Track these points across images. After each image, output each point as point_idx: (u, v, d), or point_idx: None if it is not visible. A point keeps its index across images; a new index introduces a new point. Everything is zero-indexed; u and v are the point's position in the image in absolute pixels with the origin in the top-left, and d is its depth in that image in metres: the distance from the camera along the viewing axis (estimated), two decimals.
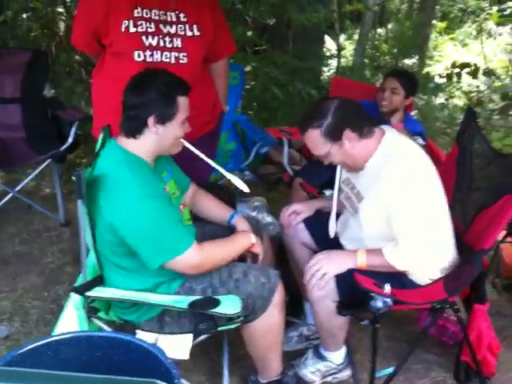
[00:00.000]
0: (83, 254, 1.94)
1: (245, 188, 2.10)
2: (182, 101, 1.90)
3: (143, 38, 2.20)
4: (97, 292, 1.93)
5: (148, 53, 2.21)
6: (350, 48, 7.83)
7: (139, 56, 2.21)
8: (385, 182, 1.98)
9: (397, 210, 1.97)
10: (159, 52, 2.23)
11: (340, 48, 6.61)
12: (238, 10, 5.51)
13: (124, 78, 2.10)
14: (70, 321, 1.93)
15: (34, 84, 3.54)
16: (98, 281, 1.98)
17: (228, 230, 2.16)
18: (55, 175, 3.49)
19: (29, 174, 3.40)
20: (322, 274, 2.03)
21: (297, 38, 5.96)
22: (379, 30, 8.22)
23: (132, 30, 2.19)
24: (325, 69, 6.43)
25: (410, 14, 8.96)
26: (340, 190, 2.28)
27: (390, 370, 2.22)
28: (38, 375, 0.96)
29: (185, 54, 2.27)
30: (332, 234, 2.26)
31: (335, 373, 2.27)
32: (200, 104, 2.28)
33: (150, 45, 2.21)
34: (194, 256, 1.86)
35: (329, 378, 2.28)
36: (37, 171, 3.39)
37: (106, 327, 1.98)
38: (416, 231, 1.99)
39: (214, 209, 2.26)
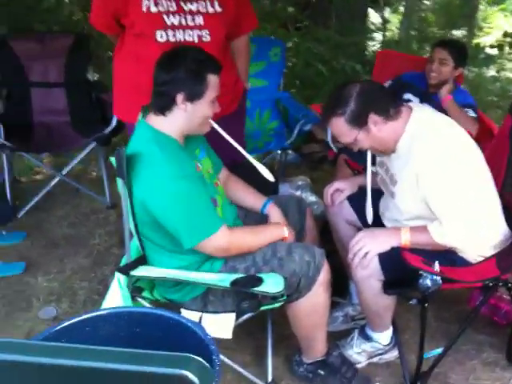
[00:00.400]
0: (126, 234, 1.95)
1: (270, 177, 2.06)
2: (213, 79, 1.87)
3: (165, 17, 2.16)
4: (141, 271, 1.95)
5: (170, 32, 2.18)
6: (395, 21, 7.60)
7: (161, 36, 2.18)
8: (416, 162, 1.91)
9: (432, 190, 1.90)
10: (181, 31, 2.19)
11: (385, 21, 6.43)
12: None
13: (147, 58, 2.10)
14: (115, 300, 1.95)
15: (77, 68, 3.60)
16: (142, 261, 2.00)
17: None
18: (100, 158, 3.54)
19: (75, 157, 3.46)
20: (364, 252, 1.98)
21: (339, 14, 5.83)
22: (425, 1, 7.93)
23: (153, 9, 2.15)
24: (370, 43, 6.27)
25: None
26: (376, 173, 2.22)
27: (439, 350, 2.16)
28: (67, 349, 0.95)
29: (207, 32, 2.23)
30: (370, 220, 2.21)
31: (382, 353, 2.23)
32: (223, 82, 2.20)
33: (173, 24, 2.18)
34: (223, 239, 1.85)
35: (375, 359, 2.24)
36: (82, 154, 3.44)
37: (149, 306, 1.99)
38: (455, 211, 1.90)
39: (246, 196, 2.23)
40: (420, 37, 6.77)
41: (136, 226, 1.91)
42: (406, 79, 3.16)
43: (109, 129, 3.28)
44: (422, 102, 3.02)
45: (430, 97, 2.97)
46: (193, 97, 1.84)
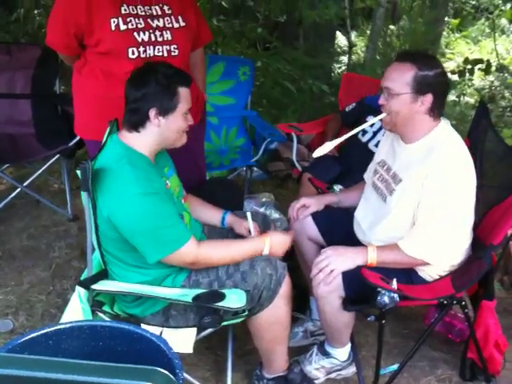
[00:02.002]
0: (89, 247, 1.94)
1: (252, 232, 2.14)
2: (184, 92, 1.90)
3: (135, 34, 2.17)
4: (102, 285, 1.93)
5: (141, 49, 2.19)
6: (361, 44, 7.79)
7: (133, 53, 2.18)
8: (432, 164, 1.93)
9: (431, 194, 1.93)
10: (151, 47, 2.21)
11: (351, 44, 6.58)
12: (249, 7, 5.50)
13: (118, 75, 2.13)
14: (75, 314, 1.93)
15: (45, 80, 3.57)
16: (103, 275, 1.99)
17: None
18: (64, 171, 3.51)
19: (38, 169, 3.42)
20: (329, 269, 2.01)
21: (308, 35, 5.95)
22: (391, 27, 8.16)
23: (123, 27, 2.15)
24: (336, 65, 6.40)
25: (422, 11, 8.88)
26: (375, 171, 2.24)
27: (395, 366, 2.21)
28: (36, 362, 0.96)
29: (175, 46, 2.26)
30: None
31: (340, 369, 2.26)
32: None
33: (143, 40, 2.19)
34: (190, 253, 1.87)
35: (333, 375, 2.27)
36: (45, 166, 3.41)
37: (110, 321, 1.98)
38: (440, 222, 1.95)
39: (204, 211, 2.25)
40: (385, 61, 6.94)
41: (98, 239, 1.90)
42: (368, 102, 3.23)
43: (73, 141, 3.26)
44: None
45: None
46: (165, 111, 1.86)
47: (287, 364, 2.16)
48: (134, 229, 1.81)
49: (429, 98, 1.95)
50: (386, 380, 2.16)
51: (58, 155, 3.32)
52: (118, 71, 2.15)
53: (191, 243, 1.86)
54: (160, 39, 2.22)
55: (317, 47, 5.76)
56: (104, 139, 2.00)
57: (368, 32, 7.73)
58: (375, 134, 3.11)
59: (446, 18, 8.36)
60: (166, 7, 2.26)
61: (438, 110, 1.99)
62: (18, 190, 3.34)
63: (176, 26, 2.26)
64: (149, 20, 2.21)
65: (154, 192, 1.83)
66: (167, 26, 2.24)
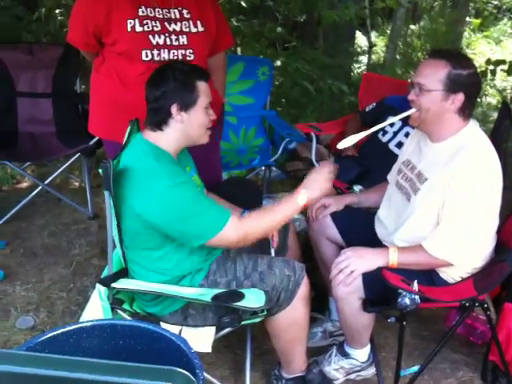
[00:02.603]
0: (110, 245, 1.95)
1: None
2: (202, 86, 1.91)
3: (150, 37, 2.18)
4: (122, 284, 1.95)
5: (155, 52, 2.20)
6: (381, 44, 7.74)
7: (147, 56, 2.19)
8: (457, 169, 1.91)
9: (456, 199, 1.91)
10: (166, 50, 2.21)
11: (371, 44, 6.54)
12: (269, 7, 5.50)
13: (130, 77, 2.17)
14: (95, 311, 1.94)
15: (66, 79, 3.60)
16: (124, 273, 1.99)
17: None
18: (84, 169, 3.54)
19: (59, 167, 3.45)
20: (349, 270, 1.99)
21: (327, 35, 5.92)
22: (412, 27, 8.10)
23: (138, 29, 2.16)
24: (355, 65, 6.37)
25: (443, 11, 8.81)
26: (399, 170, 2.22)
27: (416, 368, 2.18)
28: (56, 360, 0.96)
29: (191, 51, 2.26)
30: None
31: (359, 370, 2.24)
32: None
33: (158, 43, 2.19)
34: (233, 231, 1.84)
35: (352, 376, 2.25)
36: (66, 165, 3.45)
37: (129, 319, 1.99)
38: (465, 223, 1.92)
39: None
40: (405, 61, 6.90)
41: (120, 238, 1.91)
42: (389, 102, 3.21)
43: (94, 140, 3.28)
44: (404, 125, 3.07)
45: None
46: (186, 105, 1.87)
47: (306, 364, 2.15)
48: (171, 220, 1.81)
49: (460, 98, 1.92)
50: (406, 382, 2.13)
51: (78, 154, 3.35)
52: (131, 73, 2.17)
53: (232, 220, 1.84)
54: (175, 43, 2.23)
55: (336, 47, 5.74)
56: (125, 139, 2.01)
57: (388, 32, 7.68)
58: (395, 134, 3.08)
59: (468, 18, 8.27)
60: (185, 11, 2.26)
61: (468, 111, 1.97)
62: (39, 188, 3.38)
63: (194, 30, 2.26)
64: (166, 23, 2.21)
65: (184, 181, 1.84)
66: (184, 30, 2.25)
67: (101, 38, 2.23)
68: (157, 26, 2.19)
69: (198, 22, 2.27)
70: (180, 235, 1.85)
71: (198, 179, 2.13)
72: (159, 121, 1.89)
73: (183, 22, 2.24)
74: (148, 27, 2.17)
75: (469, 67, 1.95)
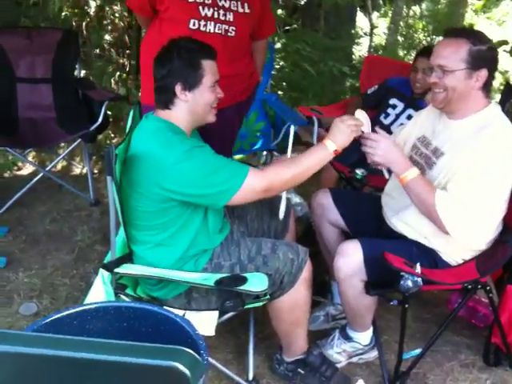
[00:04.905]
0: (112, 231, 1.95)
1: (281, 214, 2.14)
2: (208, 64, 1.90)
3: (200, 8, 2.29)
4: (125, 269, 1.95)
5: (202, 22, 2.30)
6: (383, 26, 7.66)
7: (194, 24, 2.30)
8: (480, 144, 1.89)
9: (474, 171, 1.89)
10: (212, 23, 2.31)
11: (373, 26, 6.48)
12: None
13: None
14: (98, 296, 1.95)
15: (65, 64, 3.58)
16: (127, 258, 2.00)
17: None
18: (85, 155, 3.54)
19: (60, 154, 3.44)
20: (372, 150, 1.95)
21: (328, 17, 5.86)
22: (414, 8, 8.00)
23: None
24: (357, 48, 6.31)
25: None
26: (413, 146, 2.18)
27: (418, 351, 2.20)
28: (60, 341, 0.96)
29: (234, 28, 2.36)
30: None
31: (361, 353, 2.25)
32: (241, 72, 2.49)
33: (206, 15, 2.30)
34: (257, 179, 1.83)
35: (355, 359, 2.26)
36: (67, 151, 3.44)
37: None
38: (473, 199, 1.90)
39: None
40: (407, 43, 6.83)
41: (124, 218, 1.90)
42: (391, 84, 3.19)
43: (95, 126, 3.28)
44: (406, 107, 3.06)
45: (415, 102, 3.01)
46: (191, 85, 1.87)
47: (307, 347, 2.16)
48: (195, 182, 1.81)
49: (484, 73, 1.91)
50: (408, 364, 2.14)
51: (79, 140, 3.33)
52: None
53: (253, 171, 1.84)
54: (222, 18, 2.33)
55: (337, 29, 5.69)
56: (129, 124, 2.01)
57: (390, 13, 7.60)
58: (398, 116, 3.07)
59: (470, 0, 8.17)
60: None
61: (490, 86, 1.96)
62: (41, 174, 3.37)
63: (240, 10, 2.37)
64: None
65: (199, 145, 1.86)
66: (232, 8, 2.34)
67: (155, 5, 2.34)
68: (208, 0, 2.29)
69: (246, 4, 2.37)
70: (205, 198, 1.84)
71: None
72: (165, 100, 1.90)
73: (232, 1, 2.35)
74: None
75: (487, 41, 1.93)
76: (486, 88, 1.95)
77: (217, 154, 1.89)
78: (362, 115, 2.01)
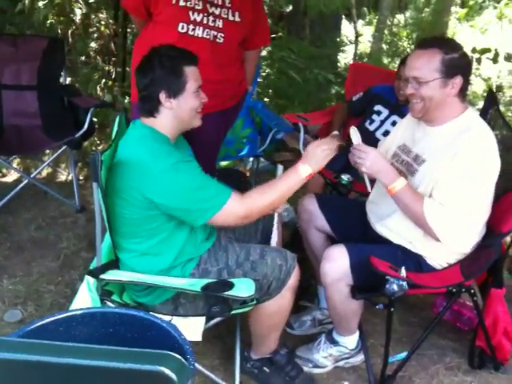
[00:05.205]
0: (98, 237, 1.94)
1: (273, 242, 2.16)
2: (190, 70, 1.91)
3: (190, 12, 2.34)
4: (111, 275, 1.94)
5: (191, 26, 2.36)
6: (368, 34, 7.74)
7: (183, 28, 2.35)
8: (460, 149, 1.92)
9: (457, 178, 1.91)
10: (201, 28, 2.36)
11: (358, 34, 6.54)
12: None
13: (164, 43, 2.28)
14: (84, 303, 1.94)
15: (51, 71, 3.57)
16: (113, 264, 1.99)
17: None
18: (71, 162, 3.52)
19: (45, 160, 3.42)
20: (361, 160, 1.97)
21: (313, 26, 5.92)
22: (398, 16, 8.10)
23: (181, 3, 2.33)
24: (342, 55, 6.37)
25: (429, 1, 8.82)
26: (394, 155, 2.20)
27: (403, 354, 2.21)
28: (46, 346, 0.96)
29: (222, 35, 2.40)
30: None
31: (348, 358, 2.27)
32: (229, 78, 2.53)
33: (195, 20, 2.35)
34: (238, 205, 1.84)
35: (341, 363, 2.27)
36: (52, 157, 3.42)
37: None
38: (463, 207, 1.93)
39: None
40: (391, 51, 6.91)
41: (110, 227, 1.90)
42: (376, 91, 3.22)
43: (80, 133, 3.26)
44: (391, 113, 3.09)
45: (399, 109, 3.04)
46: (175, 92, 1.88)
47: (275, 347, 2.17)
48: (176, 197, 1.81)
49: (458, 81, 1.93)
50: (394, 368, 2.16)
51: (64, 146, 3.32)
52: (165, 40, 2.26)
53: (236, 195, 1.85)
54: (211, 24, 2.38)
55: (322, 37, 5.74)
56: (115, 130, 2.01)
57: (375, 22, 7.68)
58: (382, 122, 3.10)
59: (453, 8, 8.28)
60: (227, 0, 2.39)
61: (465, 91, 1.99)
62: (26, 181, 3.35)
63: (231, 18, 2.40)
64: (208, 5, 2.37)
65: (186, 160, 1.88)
66: (223, 15, 2.39)
67: (149, 8, 2.41)
68: (199, 5, 2.35)
69: (237, 13, 2.41)
70: (185, 213, 1.84)
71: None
72: (151, 109, 1.90)
73: (223, 9, 2.39)
74: (191, 4, 2.34)
75: (459, 49, 1.96)
76: (462, 93, 1.98)
77: (203, 172, 1.90)
78: (353, 132, 2.04)
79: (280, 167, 2.15)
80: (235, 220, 1.88)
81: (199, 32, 2.36)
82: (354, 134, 2.04)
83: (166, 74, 1.87)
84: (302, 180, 1.91)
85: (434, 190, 1.96)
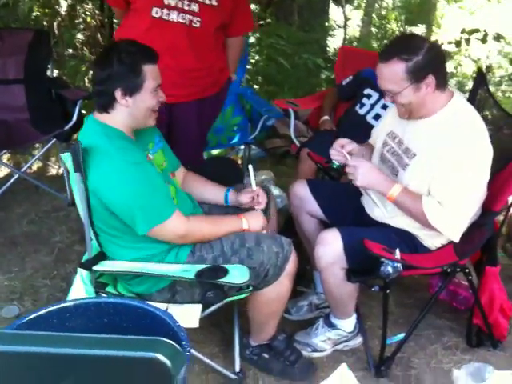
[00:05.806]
0: (86, 229, 1.92)
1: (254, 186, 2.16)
2: (149, 69, 1.84)
3: None
4: (104, 266, 1.92)
5: (165, 11, 2.33)
6: (356, 18, 7.71)
7: (156, 13, 2.33)
8: (449, 140, 1.90)
9: (449, 170, 1.90)
10: (176, 12, 2.34)
11: (346, 18, 6.51)
12: None
13: (138, 30, 2.30)
14: (79, 296, 1.93)
15: (37, 64, 3.52)
16: (102, 256, 1.97)
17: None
18: (60, 155, 3.48)
19: (35, 154, 3.39)
20: (352, 176, 1.98)
21: (302, 11, 5.88)
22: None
23: None
24: (331, 40, 6.34)
25: None
26: (384, 143, 2.19)
27: (401, 336, 2.22)
28: (41, 337, 0.95)
29: (198, 19, 2.37)
30: None
31: (346, 341, 2.27)
32: (208, 66, 2.49)
33: (169, 4, 2.32)
34: (177, 225, 1.85)
35: (340, 346, 2.28)
36: (42, 151, 3.39)
37: None
38: (461, 200, 1.92)
39: (206, 190, 2.23)
40: (380, 34, 6.89)
41: (91, 219, 1.89)
42: (365, 75, 3.20)
43: (69, 125, 3.23)
44: (381, 97, 3.07)
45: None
46: (131, 90, 1.82)
47: (274, 334, 2.17)
48: (119, 199, 1.79)
49: (430, 79, 1.89)
50: (392, 349, 2.17)
51: (53, 140, 3.29)
52: (139, 27, 2.32)
53: (178, 215, 1.85)
54: (186, 8, 2.34)
55: (311, 22, 5.70)
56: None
57: (363, 5, 7.65)
58: (373, 106, 3.08)
59: None
60: None
61: (443, 81, 1.94)
62: (16, 176, 3.32)
63: (207, 2, 2.36)
64: None
65: (136, 162, 1.82)
66: None
67: None
68: None
69: None
70: (128, 218, 1.82)
71: (162, 155, 2.08)
72: (105, 105, 1.85)
73: None
74: None
75: (420, 48, 1.88)
76: (441, 85, 1.93)
77: (152, 178, 1.85)
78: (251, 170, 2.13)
79: (251, 168, 2.14)
80: (173, 237, 1.89)
81: (174, 16, 2.33)
82: (251, 175, 2.13)
83: (124, 71, 1.80)
84: (240, 229, 2.00)
85: (432, 188, 1.95)
